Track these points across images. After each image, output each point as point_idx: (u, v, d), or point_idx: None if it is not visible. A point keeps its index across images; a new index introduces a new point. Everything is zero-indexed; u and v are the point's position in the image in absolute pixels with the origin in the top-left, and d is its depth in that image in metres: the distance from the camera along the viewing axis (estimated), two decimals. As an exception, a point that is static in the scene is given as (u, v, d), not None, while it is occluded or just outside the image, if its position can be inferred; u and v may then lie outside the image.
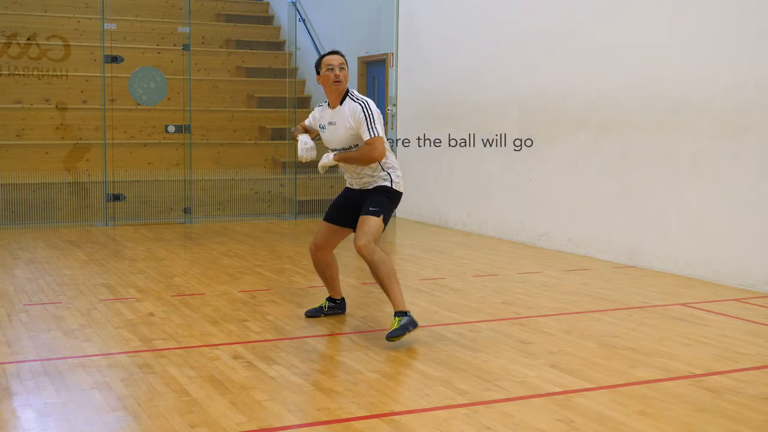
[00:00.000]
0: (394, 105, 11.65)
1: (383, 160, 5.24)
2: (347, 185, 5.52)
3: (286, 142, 12.16)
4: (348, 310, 5.87)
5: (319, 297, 6.43)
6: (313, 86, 13.55)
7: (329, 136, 5.36)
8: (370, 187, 5.31)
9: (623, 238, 8.01)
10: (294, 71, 12.89)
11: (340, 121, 5.26)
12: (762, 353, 5.00)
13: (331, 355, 4.88)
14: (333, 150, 5.37)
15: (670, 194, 7.51)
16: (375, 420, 3.79)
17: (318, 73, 5.36)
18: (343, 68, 5.28)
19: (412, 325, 4.99)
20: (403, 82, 11.54)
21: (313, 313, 5.74)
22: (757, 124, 6.75)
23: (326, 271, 5.68)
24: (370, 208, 5.19)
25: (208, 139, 12.23)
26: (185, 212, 11.07)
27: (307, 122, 5.66)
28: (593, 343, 5.16)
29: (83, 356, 4.74)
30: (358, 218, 5.24)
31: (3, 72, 11.73)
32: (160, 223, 10.84)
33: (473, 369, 4.57)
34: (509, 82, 9.52)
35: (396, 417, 3.83)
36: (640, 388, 4.30)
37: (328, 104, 5.38)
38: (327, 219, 5.55)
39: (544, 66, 8.97)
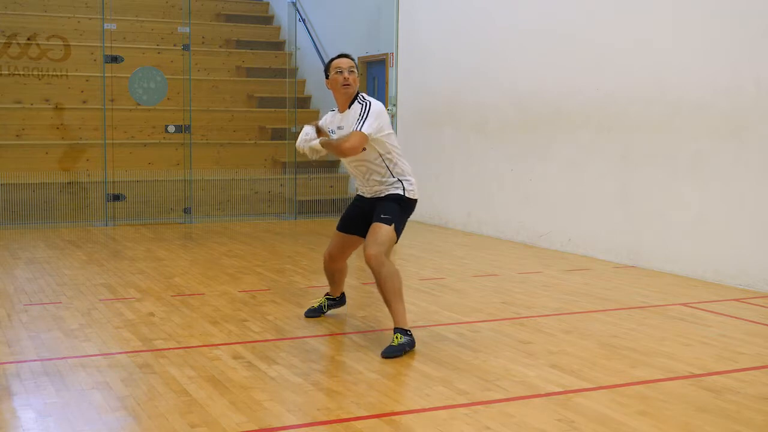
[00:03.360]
0: (394, 105, 11.65)
1: (392, 167, 5.03)
2: (358, 193, 5.30)
3: (286, 142, 12.16)
4: (348, 310, 5.87)
5: (319, 296, 6.43)
6: (313, 86, 13.56)
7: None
8: (382, 195, 5.09)
9: (623, 238, 8.01)
10: (294, 71, 12.89)
11: (347, 126, 5.03)
12: (762, 353, 5.00)
13: (331, 355, 4.88)
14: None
15: (670, 194, 7.51)
16: (375, 420, 3.79)
17: (327, 76, 5.13)
18: (352, 71, 5.06)
19: (410, 345, 4.85)
20: (403, 82, 11.54)
21: (312, 314, 5.69)
22: (757, 124, 6.75)
23: (335, 275, 5.55)
24: (382, 215, 4.97)
25: (208, 139, 12.24)
26: (185, 212, 11.06)
27: (320, 122, 5.40)
28: (593, 343, 5.16)
29: (83, 356, 4.74)
30: (369, 225, 5.03)
31: (3, 72, 11.73)
32: (160, 223, 10.84)
33: (473, 369, 4.57)
34: (509, 82, 9.52)
35: (396, 417, 3.83)
36: (640, 388, 4.29)
37: (339, 109, 5.18)
38: (340, 228, 5.37)
39: (544, 66, 8.97)
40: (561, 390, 4.23)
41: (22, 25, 12.54)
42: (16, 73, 11.77)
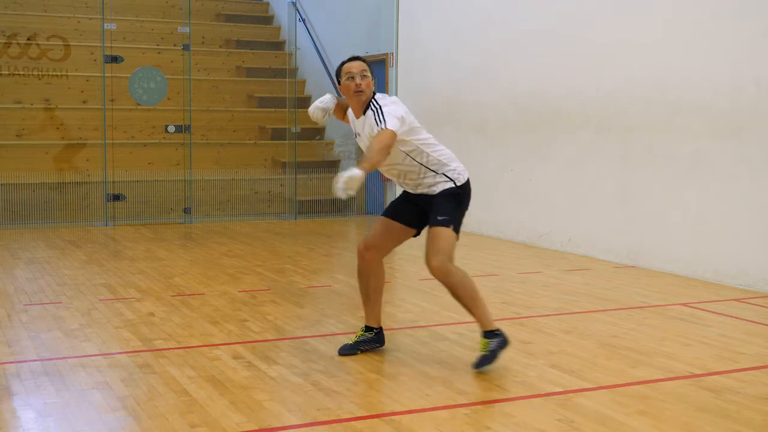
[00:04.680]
0: (394, 105, 11.64)
1: (425, 160, 4.63)
2: (404, 189, 4.86)
3: (286, 142, 12.16)
4: (348, 309, 5.85)
5: (320, 297, 6.44)
6: (313, 86, 13.55)
7: (362, 146, 4.82)
8: (433, 193, 4.66)
9: (623, 238, 8.00)
10: (294, 71, 12.89)
11: (363, 133, 4.66)
12: (762, 353, 5.00)
13: (331, 355, 4.87)
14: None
15: (670, 194, 7.51)
16: (375, 420, 3.79)
17: (338, 82, 4.72)
18: (365, 76, 4.62)
19: (502, 347, 4.56)
20: (403, 82, 11.54)
21: (345, 351, 4.85)
22: (757, 124, 6.75)
23: (370, 281, 4.82)
24: (439, 218, 4.53)
25: (208, 139, 12.23)
26: (185, 212, 11.06)
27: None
28: (593, 343, 5.16)
29: (83, 356, 4.74)
30: (421, 217, 4.68)
31: (3, 72, 11.73)
32: (160, 223, 10.84)
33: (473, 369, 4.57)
34: (509, 82, 9.51)
35: (396, 417, 3.83)
36: (640, 388, 4.29)
37: (355, 115, 4.75)
38: (386, 214, 4.85)
39: (544, 66, 8.97)
40: (561, 390, 4.23)
41: (22, 25, 12.53)
42: (16, 73, 11.77)
